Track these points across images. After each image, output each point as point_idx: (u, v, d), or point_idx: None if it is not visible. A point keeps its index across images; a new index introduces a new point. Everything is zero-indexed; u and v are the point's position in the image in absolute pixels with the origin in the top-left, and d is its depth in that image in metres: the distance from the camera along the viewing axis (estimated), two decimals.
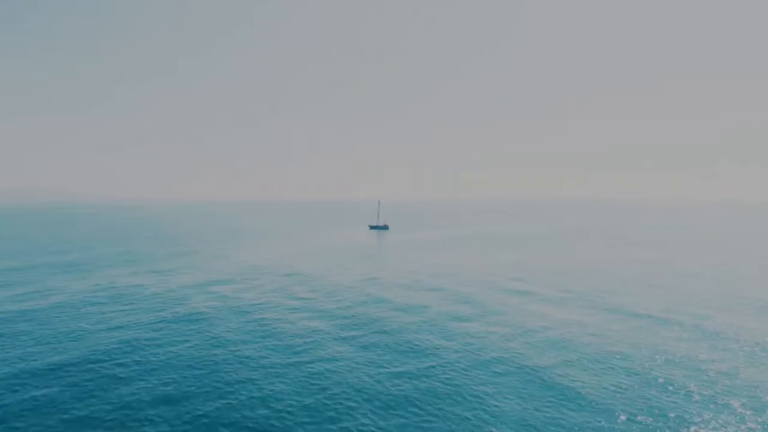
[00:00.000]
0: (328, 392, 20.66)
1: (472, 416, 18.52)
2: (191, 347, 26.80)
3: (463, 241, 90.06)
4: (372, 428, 17.60)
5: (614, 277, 50.62)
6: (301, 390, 20.95)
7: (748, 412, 18.89)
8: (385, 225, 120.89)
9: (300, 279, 48.52)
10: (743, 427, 17.77)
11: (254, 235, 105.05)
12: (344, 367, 23.59)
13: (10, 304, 38.13)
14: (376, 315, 34.00)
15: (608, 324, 31.87)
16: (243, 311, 35.14)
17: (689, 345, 27.39)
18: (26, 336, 29.36)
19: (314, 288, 43.83)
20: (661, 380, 22.17)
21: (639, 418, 18.42)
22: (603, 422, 18.01)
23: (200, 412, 18.94)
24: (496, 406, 19.44)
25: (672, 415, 18.69)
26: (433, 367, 23.64)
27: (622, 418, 18.40)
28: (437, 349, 26.44)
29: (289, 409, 19.19)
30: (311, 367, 23.57)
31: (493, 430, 17.49)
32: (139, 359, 24.96)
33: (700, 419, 18.34)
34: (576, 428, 17.56)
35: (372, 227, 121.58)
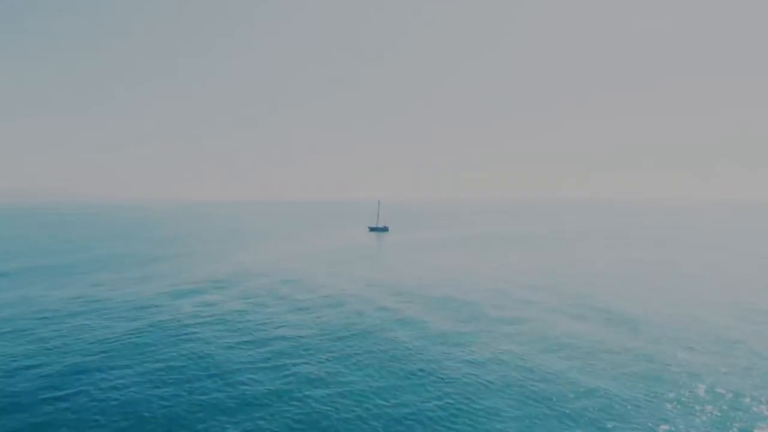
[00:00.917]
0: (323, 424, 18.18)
1: None
2: (166, 359, 25.30)
3: (465, 243, 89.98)
4: None
5: (615, 279, 50.54)
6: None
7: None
8: (385, 226, 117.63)
9: (294, 286, 45.30)
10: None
11: (253, 237, 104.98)
12: (338, 395, 20.63)
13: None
14: (374, 327, 30.85)
15: (618, 337, 31.76)
16: (228, 320, 32.71)
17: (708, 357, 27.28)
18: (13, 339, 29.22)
19: (309, 295, 40.58)
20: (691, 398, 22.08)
21: None
22: None
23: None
24: None
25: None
26: (435, 384, 21.53)
27: None
28: (442, 370, 23.22)
29: None
30: (301, 395, 20.51)
31: None
32: (110, 374, 24.45)
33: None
34: None
35: (371, 229, 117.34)
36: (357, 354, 25.92)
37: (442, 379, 22.39)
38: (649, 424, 17.92)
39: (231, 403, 19.97)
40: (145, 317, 33.92)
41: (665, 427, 17.77)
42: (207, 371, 23.45)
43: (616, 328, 30.84)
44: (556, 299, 39.39)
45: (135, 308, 36.62)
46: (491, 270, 55.40)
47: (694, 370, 23.33)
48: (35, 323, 32.32)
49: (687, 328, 30.68)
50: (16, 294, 42.30)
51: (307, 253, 71.32)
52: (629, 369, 23.58)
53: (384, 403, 19.95)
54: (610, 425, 17.86)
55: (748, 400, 20.08)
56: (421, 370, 23.56)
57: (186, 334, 29.67)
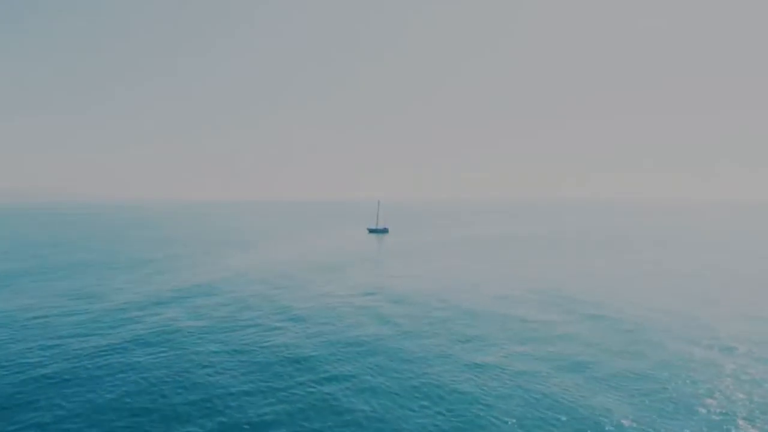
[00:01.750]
0: None
1: None
2: (152, 367, 24.62)
3: (465, 245, 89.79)
4: None
5: (616, 282, 50.40)
6: None
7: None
8: (385, 228, 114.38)
9: (290, 292, 42.97)
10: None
11: (251, 238, 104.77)
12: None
13: None
14: (374, 342, 28.02)
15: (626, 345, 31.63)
16: (221, 330, 31.11)
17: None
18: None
19: (303, 304, 37.73)
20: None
21: None
22: None
23: None
24: None
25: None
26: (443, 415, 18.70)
27: None
28: (449, 393, 20.56)
29: None
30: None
31: None
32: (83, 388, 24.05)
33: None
34: None
35: (371, 230, 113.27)
36: (353, 376, 22.53)
37: (451, 411, 19.13)
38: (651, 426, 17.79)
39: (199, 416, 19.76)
40: (128, 325, 33.72)
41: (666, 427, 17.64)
42: (183, 385, 21.64)
43: (620, 335, 30.70)
44: (567, 309, 39.17)
45: (121, 314, 36.43)
46: (496, 276, 55.22)
47: (693, 375, 23.19)
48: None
49: (687, 329, 30.54)
50: None
51: (304, 257, 71.13)
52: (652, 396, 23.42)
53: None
54: None
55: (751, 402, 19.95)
56: (423, 393, 20.60)
57: (163, 343, 28.50)
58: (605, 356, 25.43)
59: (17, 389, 21.31)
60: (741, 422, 18.19)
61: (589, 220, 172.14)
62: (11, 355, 25.85)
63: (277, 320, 33.02)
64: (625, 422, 18.07)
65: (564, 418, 18.38)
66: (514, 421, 18.23)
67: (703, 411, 19.08)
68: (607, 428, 17.65)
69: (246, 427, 17.76)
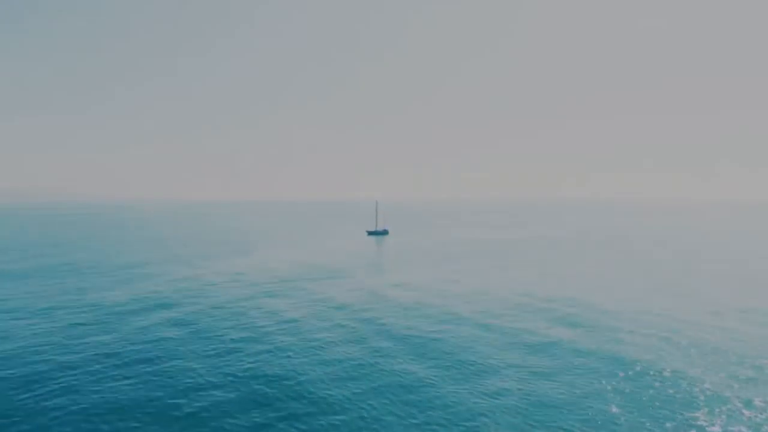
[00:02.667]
0: None
1: None
2: (144, 377, 23.96)
3: (466, 245, 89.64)
4: None
5: (618, 285, 50.28)
6: None
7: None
8: (385, 230, 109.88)
9: (285, 297, 40.59)
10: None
11: (250, 239, 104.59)
12: None
13: None
14: (373, 355, 25.54)
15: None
16: (209, 337, 29.72)
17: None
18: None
19: (297, 313, 34.86)
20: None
21: None
22: None
23: None
24: None
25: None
26: None
27: None
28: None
29: None
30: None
31: None
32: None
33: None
34: None
35: (370, 233, 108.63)
36: (350, 397, 20.26)
37: None
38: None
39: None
40: (120, 327, 33.61)
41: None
42: (171, 396, 20.61)
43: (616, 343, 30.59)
44: (586, 319, 39.01)
45: (114, 316, 36.33)
46: (503, 282, 55.08)
47: (691, 380, 23.11)
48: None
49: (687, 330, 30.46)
50: None
51: (302, 260, 70.99)
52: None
53: None
54: None
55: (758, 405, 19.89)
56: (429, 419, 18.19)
57: (151, 350, 27.20)
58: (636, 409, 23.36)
59: (18, 389, 21.30)
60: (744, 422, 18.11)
61: (589, 220, 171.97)
62: (11, 355, 25.81)
63: (264, 332, 31.33)
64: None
65: None
66: None
67: (704, 413, 19.01)
68: None
69: None
